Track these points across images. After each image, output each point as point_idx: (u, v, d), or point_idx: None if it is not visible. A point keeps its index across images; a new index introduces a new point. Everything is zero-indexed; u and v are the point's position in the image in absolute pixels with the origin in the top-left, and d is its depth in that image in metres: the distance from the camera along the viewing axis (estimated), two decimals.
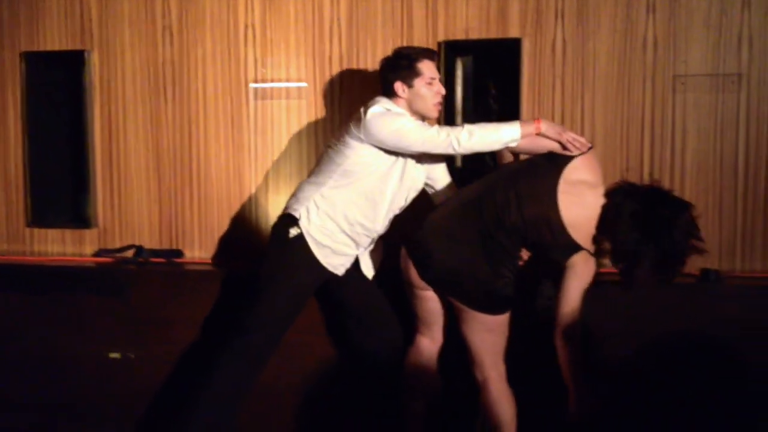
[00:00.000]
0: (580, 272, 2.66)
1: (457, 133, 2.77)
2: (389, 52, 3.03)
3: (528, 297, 2.99)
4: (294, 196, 3.02)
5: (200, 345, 3.39)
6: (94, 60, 3.75)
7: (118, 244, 3.77)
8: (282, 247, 2.95)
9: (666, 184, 3.15)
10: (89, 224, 3.81)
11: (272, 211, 3.58)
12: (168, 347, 3.43)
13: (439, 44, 3.35)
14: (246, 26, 3.60)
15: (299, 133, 3.58)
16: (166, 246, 3.74)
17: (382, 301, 3.08)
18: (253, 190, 3.65)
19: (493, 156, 3.08)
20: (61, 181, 3.90)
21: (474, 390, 2.86)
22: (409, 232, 2.87)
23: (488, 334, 2.77)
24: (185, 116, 3.69)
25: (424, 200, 3.08)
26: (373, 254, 3.10)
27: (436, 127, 2.84)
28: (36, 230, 3.89)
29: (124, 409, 3.49)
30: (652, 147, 3.25)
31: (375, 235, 3.02)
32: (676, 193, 3.09)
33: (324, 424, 3.31)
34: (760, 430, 2.96)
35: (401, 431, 3.02)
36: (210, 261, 3.69)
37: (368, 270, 3.08)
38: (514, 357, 2.85)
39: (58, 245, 3.88)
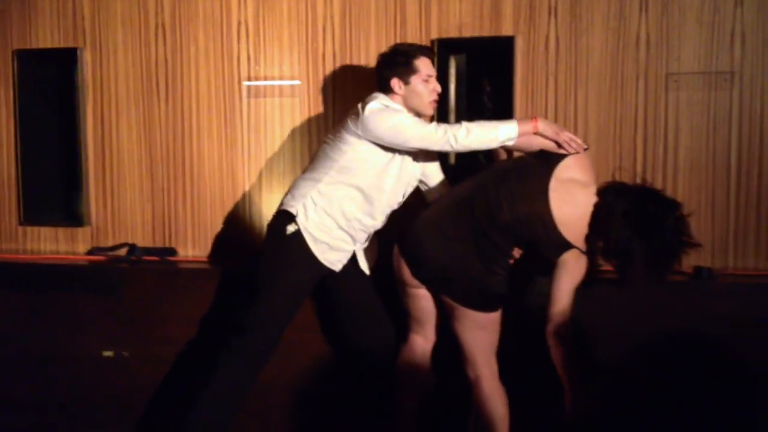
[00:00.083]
0: (571, 270, 2.67)
1: (454, 130, 2.77)
2: (382, 49, 3.03)
3: (520, 294, 2.99)
4: (289, 192, 3.01)
5: (195, 343, 3.39)
6: (87, 58, 3.74)
7: (111, 243, 3.76)
8: (279, 244, 2.94)
9: (659, 181, 3.18)
10: (82, 222, 3.80)
11: (266, 209, 3.58)
12: (162, 346, 3.42)
13: (432, 42, 3.34)
14: (239, 24, 3.59)
15: (293, 131, 3.58)
16: (159, 244, 3.74)
17: (375, 299, 3.08)
18: (247, 188, 3.65)
19: (486, 154, 3.08)
20: (53, 179, 3.90)
21: (466, 387, 2.87)
22: (402, 230, 2.87)
23: (480, 332, 2.77)
24: (178, 114, 3.68)
25: (416, 197, 3.08)
26: (367, 251, 3.10)
27: (434, 124, 2.84)
28: (29, 228, 3.89)
29: (119, 408, 3.48)
30: (645, 144, 3.25)
31: (372, 231, 3.03)
32: (669, 191, 3.12)
33: (317, 422, 3.31)
34: (754, 427, 2.96)
35: (394, 429, 3.02)
36: (203, 259, 3.68)
37: (365, 266, 3.08)
38: (506, 354, 2.85)
39: (51, 243, 3.87)
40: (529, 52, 3.31)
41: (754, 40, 3.15)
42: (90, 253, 3.77)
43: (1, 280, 3.62)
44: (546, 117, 3.22)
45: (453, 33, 3.37)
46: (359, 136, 2.85)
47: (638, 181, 2.78)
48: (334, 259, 2.97)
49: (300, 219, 2.91)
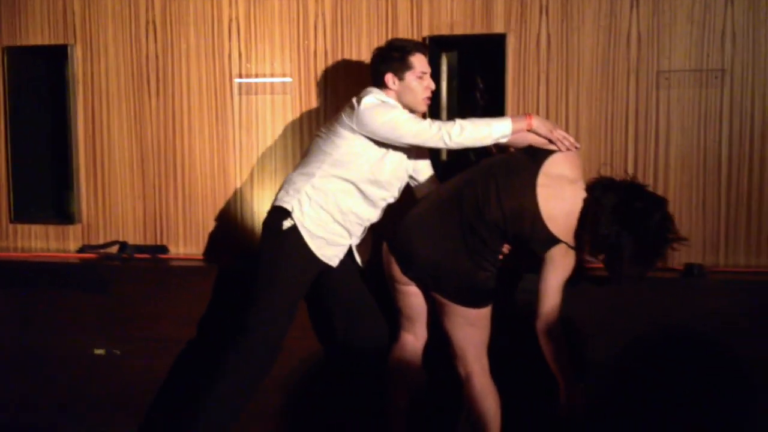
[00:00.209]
0: (559, 265, 2.67)
1: (448, 127, 2.77)
2: (374, 46, 3.03)
3: (510, 290, 3.00)
4: (283, 188, 3.00)
5: (193, 342, 3.39)
6: (77, 54, 3.73)
7: (102, 240, 3.75)
8: (276, 241, 2.93)
9: (649, 179, 3.20)
10: (73, 220, 3.79)
11: (257, 206, 3.58)
12: (154, 343, 3.42)
13: (424, 39, 3.34)
14: (230, 20, 3.58)
15: (284, 129, 3.57)
16: (150, 242, 3.73)
17: (367, 296, 3.08)
18: (238, 186, 3.64)
19: (476, 151, 3.08)
20: (44, 177, 3.88)
21: (458, 384, 2.87)
22: (391, 227, 2.87)
23: (471, 328, 2.78)
24: (169, 111, 3.67)
25: (405, 194, 3.08)
26: (360, 246, 3.09)
27: (429, 120, 2.84)
28: (19, 226, 3.87)
29: (111, 406, 3.48)
30: (636, 142, 3.26)
31: (368, 224, 3.03)
32: (660, 188, 3.14)
33: (308, 420, 3.31)
34: (745, 423, 2.97)
35: (386, 426, 3.02)
36: (195, 256, 3.67)
37: (358, 259, 3.08)
38: (496, 351, 2.85)
39: (42, 241, 3.85)
40: (521, 50, 3.31)
41: (744, 38, 3.16)
42: (81, 251, 3.75)
43: None
44: (537, 114, 3.22)
45: (444, 30, 3.37)
46: (353, 130, 2.85)
47: (625, 176, 2.78)
48: (331, 254, 2.97)
49: (296, 214, 2.90)
